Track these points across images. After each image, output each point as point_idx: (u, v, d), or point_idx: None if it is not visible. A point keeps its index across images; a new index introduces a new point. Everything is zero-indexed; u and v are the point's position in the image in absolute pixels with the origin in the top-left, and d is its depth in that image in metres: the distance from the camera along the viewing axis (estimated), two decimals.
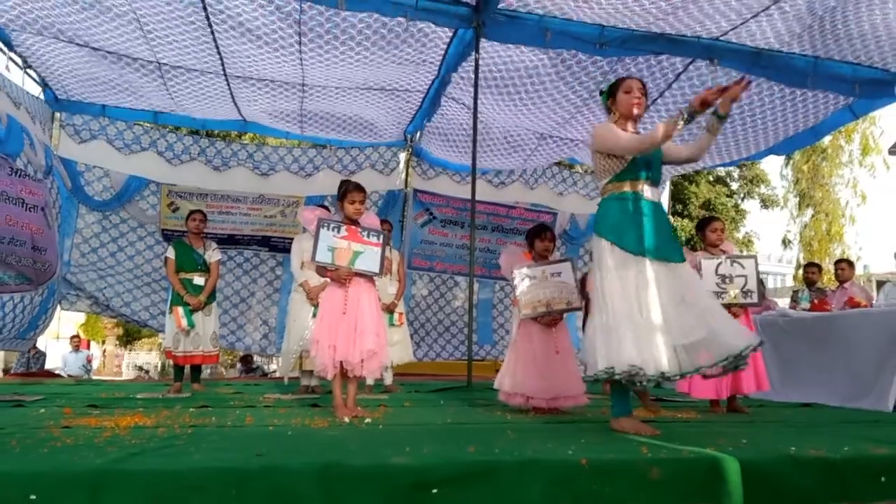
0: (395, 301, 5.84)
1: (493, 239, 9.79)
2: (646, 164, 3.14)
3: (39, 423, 3.14)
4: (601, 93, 3.39)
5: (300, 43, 6.20)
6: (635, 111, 3.18)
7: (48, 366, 10.89)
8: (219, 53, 6.50)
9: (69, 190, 8.32)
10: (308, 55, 6.42)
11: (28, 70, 7.32)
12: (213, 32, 6.11)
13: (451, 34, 6.14)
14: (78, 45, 6.61)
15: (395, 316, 5.82)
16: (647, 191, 3.13)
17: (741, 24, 5.58)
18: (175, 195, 8.93)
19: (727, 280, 4.39)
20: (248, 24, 5.93)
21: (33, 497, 1.77)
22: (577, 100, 7.00)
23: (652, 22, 5.68)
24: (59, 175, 8.03)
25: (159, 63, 6.88)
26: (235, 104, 7.88)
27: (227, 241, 8.92)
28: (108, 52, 6.72)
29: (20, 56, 7.04)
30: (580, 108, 7.20)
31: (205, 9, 5.76)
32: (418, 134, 8.96)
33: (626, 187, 3.13)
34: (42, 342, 10.36)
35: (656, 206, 3.15)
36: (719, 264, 4.42)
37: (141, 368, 23.63)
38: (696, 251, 4.70)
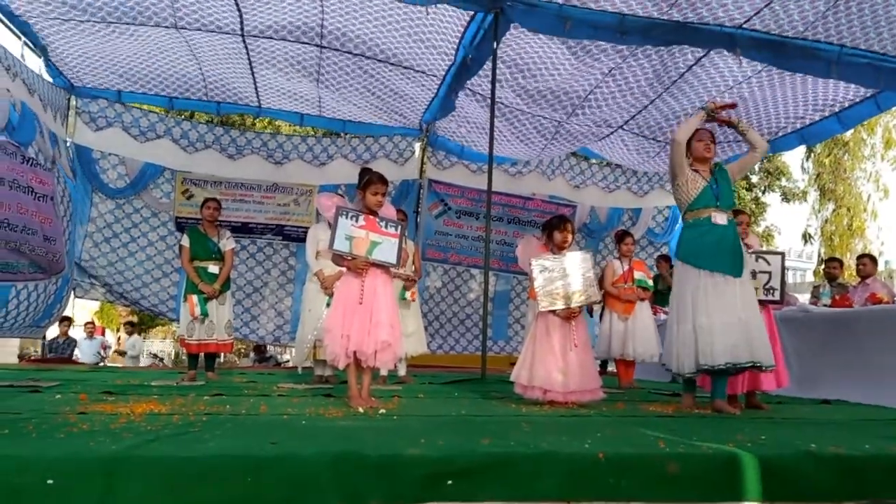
0: (414, 277, 5.80)
1: (510, 231, 9.75)
2: (714, 195, 3.92)
3: (56, 408, 3.16)
4: None
5: (322, 12, 6.20)
6: (706, 154, 3.99)
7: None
8: (239, 13, 6.45)
9: (73, 179, 8.32)
10: (329, 18, 6.40)
11: (41, 56, 7.33)
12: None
13: (467, 19, 6.09)
14: (94, 22, 6.57)
15: (408, 293, 5.74)
16: (716, 217, 3.89)
17: (765, 5, 5.46)
18: (190, 182, 8.98)
19: (750, 276, 4.33)
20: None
21: (50, 482, 1.78)
22: (593, 79, 6.89)
23: (674, 9, 5.58)
24: (61, 165, 8.02)
25: (177, 26, 6.77)
26: (251, 69, 7.74)
27: (241, 230, 8.94)
28: (127, 24, 6.66)
29: (36, 44, 7.06)
30: (598, 85, 7.07)
31: None
32: (434, 123, 8.88)
33: (697, 215, 3.94)
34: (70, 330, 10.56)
35: (725, 229, 3.89)
36: None
37: (155, 356, 23.80)
38: None
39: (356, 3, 6.15)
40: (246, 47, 7.18)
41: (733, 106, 4.12)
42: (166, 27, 6.75)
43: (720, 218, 3.89)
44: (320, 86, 8.01)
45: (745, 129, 4.10)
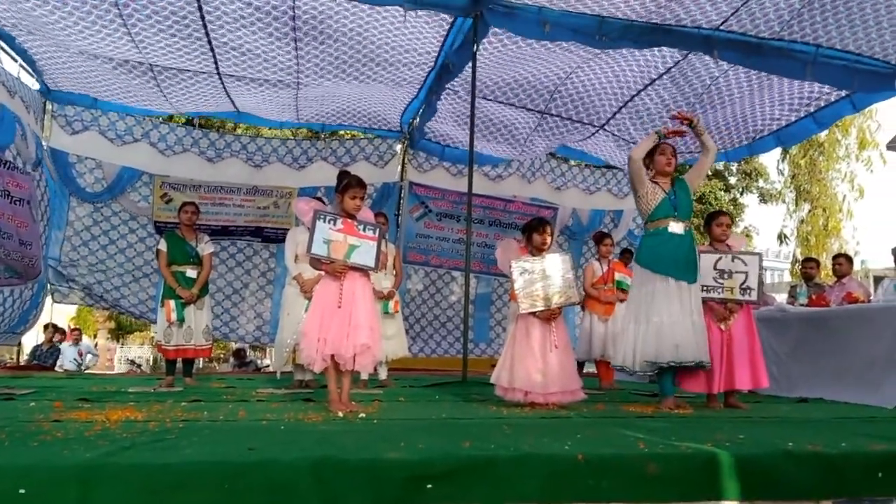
0: (392, 290, 5.79)
1: (491, 233, 9.75)
2: (672, 206, 4.14)
3: (30, 416, 3.11)
4: None
5: (294, 30, 6.15)
6: (667, 169, 4.23)
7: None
8: (212, 50, 6.42)
9: (56, 182, 8.25)
10: (303, 40, 6.36)
11: (20, 60, 7.24)
12: (205, 25, 6.04)
13: (447, 26, 6.09)
14: (66, 46, 6.56)
15: (391, 304, 5.71)
16: (673, 226, 4.12)
17: (742, 4, 5.51)
18: (168, 186, 8.89)
19: (725, 275, 4.38)
20: (243, 20, 5.89)
21: (22, 491, 1.74)
22: (577, 58, 6.90)
23: (652, 11, 5.62)
24: (47, 167, 7.94)
25: (151, 65, 6.80)
26: (230, 98, 7.81)
27: (221, 233, 8.88)
28: (97, 55, 6.65)
29: (13, 48, 6.97)
30: (580, 66, 7.01)
31: (200, 7, 5.72)
32: (414, 123, 8.85)
33: (656, 225, 4.18)
34: (34, 336, 10.38)
35: (682, 238, 4.13)
36: (718, 259, 4.43)
37: (133, 362, 23.53)
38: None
39: (337, 8, 6.15)
40: (221, 79, 7.18)
41: (682, 134, 4.35)
42: (139, 62, 6.77)
43: (677, 227, 4.14)
44: (299, 92, 8.01)
45: (701, 130, 4.30)
